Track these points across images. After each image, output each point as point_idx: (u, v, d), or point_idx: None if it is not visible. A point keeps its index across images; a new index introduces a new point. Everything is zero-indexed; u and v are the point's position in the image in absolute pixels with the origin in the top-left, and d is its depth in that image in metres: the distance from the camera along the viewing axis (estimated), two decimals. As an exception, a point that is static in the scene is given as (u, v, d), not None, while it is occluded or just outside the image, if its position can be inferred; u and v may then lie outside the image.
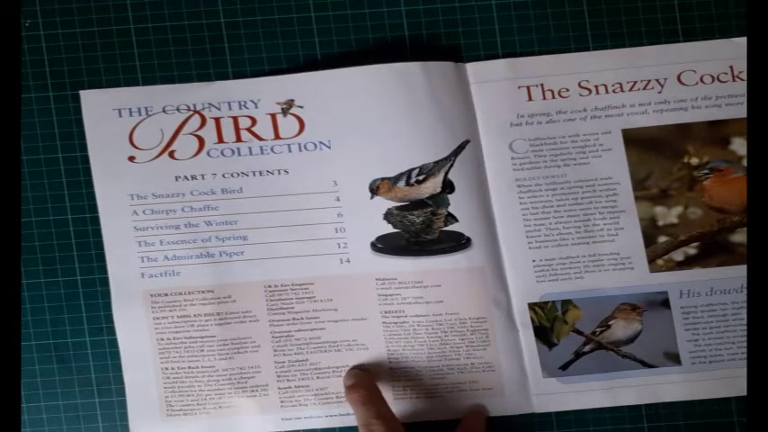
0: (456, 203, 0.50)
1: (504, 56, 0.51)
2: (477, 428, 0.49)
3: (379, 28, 0.51)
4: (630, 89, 0.50)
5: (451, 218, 0.50)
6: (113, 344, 0.50)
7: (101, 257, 0.50)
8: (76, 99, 0.50)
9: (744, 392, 0.49)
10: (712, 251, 0.49)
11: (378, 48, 0.51)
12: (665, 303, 0.49)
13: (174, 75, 0.51)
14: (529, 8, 0.51)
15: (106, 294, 0.50)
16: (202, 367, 0.50)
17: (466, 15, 0.51)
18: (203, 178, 0.50)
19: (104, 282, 0.50)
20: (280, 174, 0.50)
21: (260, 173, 0.50)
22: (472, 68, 0.50)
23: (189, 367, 0.50)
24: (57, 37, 0.51)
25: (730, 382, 0.49)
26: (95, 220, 0.50)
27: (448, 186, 0.50)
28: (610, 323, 0.49)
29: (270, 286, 0.50)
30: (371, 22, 0.51)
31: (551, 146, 0.50)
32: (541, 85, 0.50)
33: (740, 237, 0.49)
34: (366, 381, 0.49)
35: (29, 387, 0.51)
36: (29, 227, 0.51)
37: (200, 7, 0.51)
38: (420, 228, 0.50)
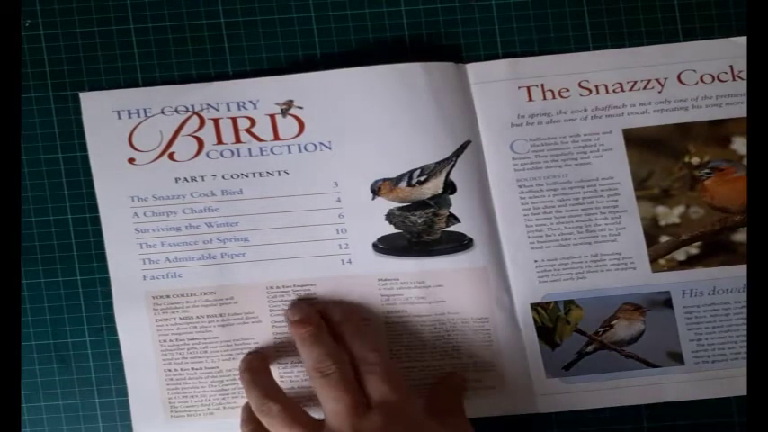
0: (457, 204, 0.50)
1: (505, 56, 0.51)
2: (458, 389, 0.49)
3: (379, 28, 0.51)
4: (631, 89, 0.50)
5: (453, 218, 0.50)
6: (113, 344, 0.50)
7: (101, 257, 0.50)
8: (76, 99, 0.50)
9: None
10: (714, 251, 0.49)
11: (378, 48, 0.51)
12: (668, 303, 0.49)
13: (175, 75, 0.51)
14: (529, 8, 0.51)
15: (106, 294, 0.50)
16: (206, 368, 0.50)
17: (466, 15, 0.51)
18: (203, 180, 0.50)
19: (104, 282, 0.50)
20: (280, 175, 0.50)
21: (260, 174, 0.50)
22: (472, 69, 0.50)
23: (192, 368, 0.50)
24: (57, 37, 0.51)
25: (733, 381, 0.49)
26: (95, 220, 0.50)
27: (449, 187, 0.49)
28: (612, 323, 0.49)
29: (272, 287, 0.50)
30: (371, 22, 0.51)
31: (552, 146, 0.50)
32: (542, 85, 0.50)
33: (742, 236, 0.49)
34: (316, 318, 0.48)
35: (29, 387, 0.51)
36: (29, 227, 0.51)
37: (200, 7, 0.51)
38: (422, 228, 0.50)
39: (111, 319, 0.50)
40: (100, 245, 0.50)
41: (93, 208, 0.50)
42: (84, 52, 0.51)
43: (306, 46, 0.51)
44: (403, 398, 0.45)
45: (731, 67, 0.50)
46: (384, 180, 0.49)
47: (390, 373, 0.45)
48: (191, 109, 0.50)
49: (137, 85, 0.51)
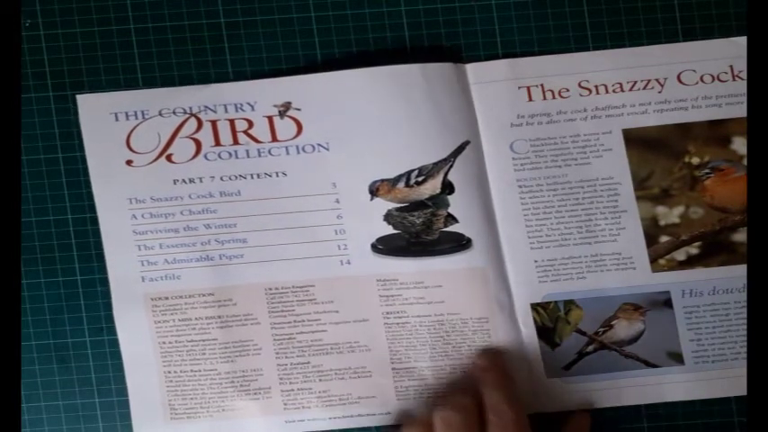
0: (456, 204, 0.50)
1: (505, 56, 0.51)
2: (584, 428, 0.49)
3: (379, 28, 0.51)
4: (631, 89, 0.50)
5: (451, 219, 0.50)
6: (113, 344, 0.50)
7: (101, 257, 0.50)
8: (76, 100, 0.50)
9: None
10: (714, 251, 0.49)
11: (377, 48, 0.51)
12: (668, 303, 0.49)
13: (175, 75, 0.51)
14: (529, 8, 0.51)
15: (106, 294, 0.50)
16: (205, 370, 0.50)
17: (466, 15, 0.51)
18: (201, 181, 0.50)
19: (104, 282, 0.50)
20: (278, 176, 0.50)
21: (258, 175, 0.50)
22: (472, 69, 0.50)
23: (191, 370, 0.50)
24: (57, 37, 0.51)
25: (733, 381, 0.49)
26: (95, 221, 0.50)
27: (447, 187, 0.49)
28: (612, 323, 0.49)
29: (270, 289, 0.50)
30: (371, 23, 0.51)
31: (552, 146, 0.50)
32: (541, 85, 0.50)
33: (742, 236, 0.49)
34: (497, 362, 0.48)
35: (29, 387, 0.51)
36: (29, 227, 0.51)
37: (200, 7, 0.51)
38: (420, 228, 0.50)
39: (111, 319, 0.50)
40: (100, 245, 0.50)
41: (93, 208, 0.50)
42: (84, 52, 0.51)
43: (306, 46, 0.51)
44: None
45: (731, 67, 0.50)
46: (382, 181, 0.49)
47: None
48: (188, 111, 0.50)
49: (137, 86, 0.51)
